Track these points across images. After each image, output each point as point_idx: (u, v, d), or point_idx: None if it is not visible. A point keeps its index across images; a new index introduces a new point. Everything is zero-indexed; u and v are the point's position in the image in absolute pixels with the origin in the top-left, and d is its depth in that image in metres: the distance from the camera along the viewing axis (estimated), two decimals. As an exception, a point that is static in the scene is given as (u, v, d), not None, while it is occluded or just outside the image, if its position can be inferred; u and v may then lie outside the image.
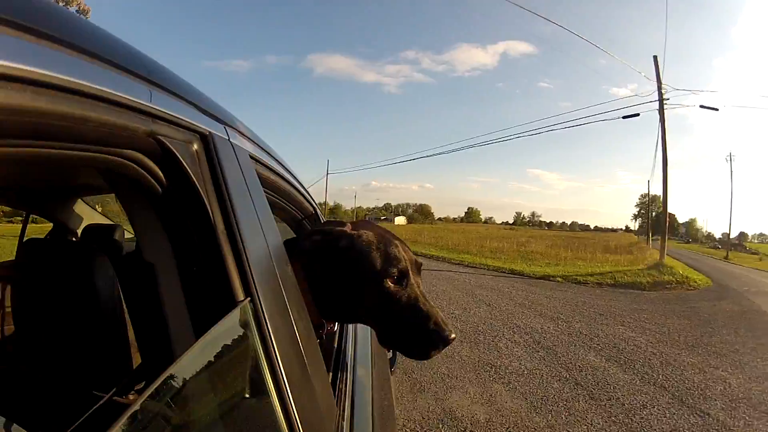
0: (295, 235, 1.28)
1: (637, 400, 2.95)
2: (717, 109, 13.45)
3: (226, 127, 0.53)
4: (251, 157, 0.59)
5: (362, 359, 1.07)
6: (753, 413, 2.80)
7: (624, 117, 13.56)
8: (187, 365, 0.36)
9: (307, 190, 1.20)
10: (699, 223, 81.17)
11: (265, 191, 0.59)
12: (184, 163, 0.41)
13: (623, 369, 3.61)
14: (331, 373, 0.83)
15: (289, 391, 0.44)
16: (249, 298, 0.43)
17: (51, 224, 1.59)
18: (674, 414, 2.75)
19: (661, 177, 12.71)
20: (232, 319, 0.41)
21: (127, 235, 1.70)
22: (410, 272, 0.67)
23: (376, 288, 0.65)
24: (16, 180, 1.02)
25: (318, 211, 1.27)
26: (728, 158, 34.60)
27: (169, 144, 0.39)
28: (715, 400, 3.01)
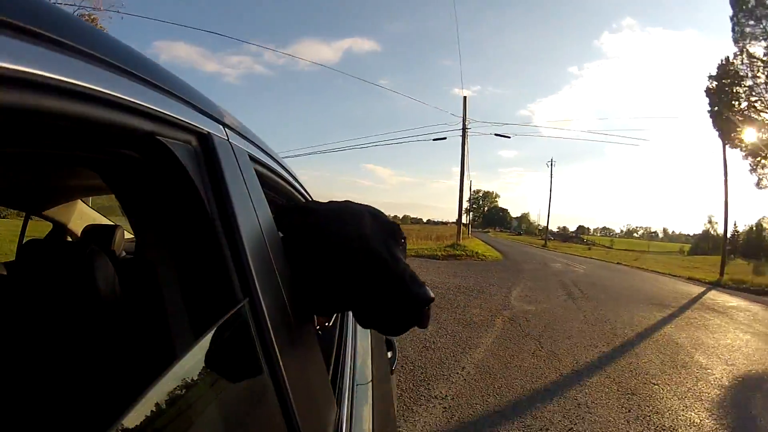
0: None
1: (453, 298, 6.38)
2: (509, 137, 19.33)
3: (225, 128, 0.53)
4: (250, 158, 0.59)
5: (362, 359, 1.07)
6: (500, 290, 7.40)
7: (434, 139, 18.49)
8: (187, 365, 0.37)
9: (307, 190, 1.20)
10: (532, 217, 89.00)
11: (264, 191, 0.60)
12: (184, 164, 0.41)
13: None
14: (330, 373, 0.83)
15: (289, 390, 0.45)
16: (248, 298, 0.43)
17: (51, 225, 1.59)
18: (467, 294, 6.74)
19: (458, 185, 18.17)
20: (232, 318, 0.41)
21: (127, 235, 1.70)
22: (371, 235, 0.59)
23: (340, 259, 0.58)
24: (16, 180, 1.02)
25: None
26: (549, 163, 41.39)
27: (168, 144, 0.39)
28: (481, 288, 7.42)
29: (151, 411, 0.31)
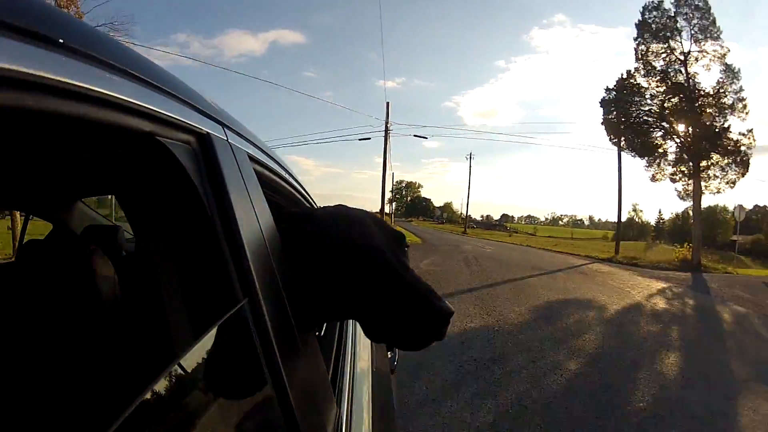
0: None
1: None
2: (426, 138, 23.47)
3: (225, 128, 0.53)
4: (250, 158, 0.59)
5: (362, 358, 1.07)
6: (413, 261, 7.37)
7: (360, 139, 21.61)
8: (187, 365, 0.37)
9: (307, 190, 1.20)
10: (456, 206, 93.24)
11: (264, 191, 0.60)
12: (183, 164, 0.41)
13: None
14: (330, 373, 0.83)
15: (288, 390, 0.45)
16: (248, 299, 0.43)
17: (51, 225, 1.59)
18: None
19: (381, 178, 21.10)
20: (232, 318, 0.41)
21: (127, 236, 1.70)
22: (384, 247, 0.56)
23: (349, 272, 0.54)
24: (16, 180, 1.02)
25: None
26: (467, 157, 45.77)
27: (167, 145, 0.39)
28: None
29: (151, 411, 0.31)
